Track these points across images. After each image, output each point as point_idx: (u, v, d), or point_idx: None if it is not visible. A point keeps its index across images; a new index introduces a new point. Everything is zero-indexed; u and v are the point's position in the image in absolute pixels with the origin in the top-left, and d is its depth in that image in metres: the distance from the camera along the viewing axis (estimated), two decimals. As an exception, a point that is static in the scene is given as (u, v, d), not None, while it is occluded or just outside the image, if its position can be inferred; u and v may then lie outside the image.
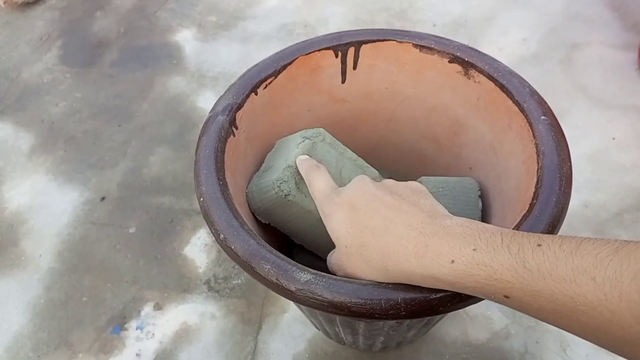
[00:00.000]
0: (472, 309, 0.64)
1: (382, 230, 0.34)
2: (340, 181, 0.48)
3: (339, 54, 0.53)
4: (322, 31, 1.03)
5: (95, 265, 0.70)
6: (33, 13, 1.12)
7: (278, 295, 0.66)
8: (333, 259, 0.38)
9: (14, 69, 1.00)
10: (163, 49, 1.01)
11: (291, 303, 0.65)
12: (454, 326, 0.63)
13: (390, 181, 0.39)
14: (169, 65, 0.98)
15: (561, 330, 0.62)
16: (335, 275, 0.38)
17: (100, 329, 0.65)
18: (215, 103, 0.49)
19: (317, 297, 0.36)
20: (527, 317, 0.63)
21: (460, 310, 0.63)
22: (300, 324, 0.63)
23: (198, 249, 0.71)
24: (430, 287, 0.33)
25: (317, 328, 0.60)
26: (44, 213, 0.77)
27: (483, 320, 0.63)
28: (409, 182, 0.39)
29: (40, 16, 1.11)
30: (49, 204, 0.78)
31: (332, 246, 0.49)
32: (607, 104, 0.84)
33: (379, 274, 0.34)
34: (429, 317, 0.45)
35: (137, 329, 0.64)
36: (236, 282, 0.68)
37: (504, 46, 0.96)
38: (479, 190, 0.51)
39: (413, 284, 0.33)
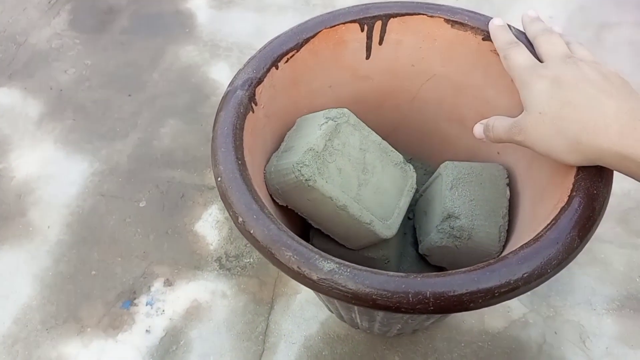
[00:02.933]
0: (489, 296, 0.62)
1: (586, 106, 0.34)
2: (364, 165, 0.46)
3: (365, 27, 0.50)
4: (340, 3, 0.99)
5: (105, 239, 0.69)
6: (41, -25, 1.08)
7: (291, 276, 0.64)
8: (516, 121, 0.38)
9: (22, 33, 0.97)
10: (175, 17, 0.97)
11: (304, 284, 0.64)
12: (470, 313, 0.61)
13: (600, 65, 0.37)
14: (181, 34, 0.94)
15: (581, 321, 0.60)
16: (504, 140, 0.39)
17: (110, 303, 0.64)
18: (234, 77, 0.46)
19: (341, 288, 0.34)
20: (546, 307, 0.62)
21: (479, 298, 0.62)
22: (313, 306, 0.62)
23: (209, 225, 0.70)
24: (619, 170, 0.34)
25: (331, 311, 0.59)
26: (53, 183, 0.75)
27: (501, 307, 0.61)
28: (617, 71, 0.38)
29: (48, -22, 1.07)
30: (58, 174, 0.76)
31: (351, 233, 0.47)
32: (635, 88, 0.81)
33: (566, 145, 0.34)
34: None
35: (147, 304, 0.63)
36: (248, 260, 0.66)
37: (529, 24, 0.92)
38: (507, 177, 0.49)
39: (598, 163, 0.34)
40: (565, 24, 0.92)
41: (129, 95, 0.86)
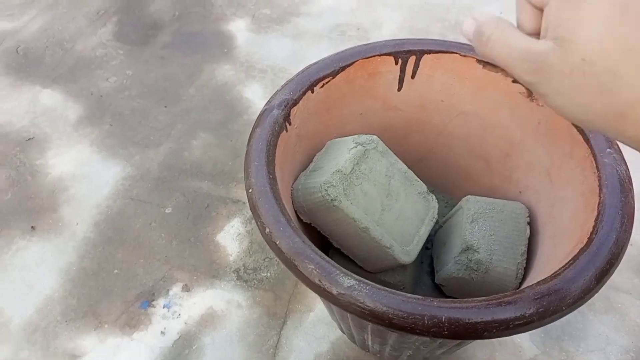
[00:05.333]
0: (500, 333, 0.63)
1: None
2: (388, 191, 0.48)
3: (399, 61, 0.52)
4: (375, 35, 1.03)
5: (129, 240, 0.72)
6: (94, -13, 1.14)
7: (305, 293, 0.66)
8: (536, 52, 0.24)
9: (69, 40, 1.02)
10: (215, 37, 1.02)
11: (318, 302, 0.65)
12: (481, 349, 0.61)
13: None
14: (219, 53, 0.98)
15: (591, 368, 0.60)
16: (501, 61, 0.26)
17: (129, 302, 0.66)
18: (272, 96, 0.49)
19: (359, 304, 0.35)
20: (558, 350, 0.62)
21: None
22: (325, 325, 0.63)
23: (231, 237, 0.72)
24: None
25: (343, 332, 0.60)
26: (85, 183, 0.79)
27: (512, 347, 0.61)
28: None
29: (100, -9, 1.13)
30: (91, 175, 0.80)
31: (370, 255, 0.49)
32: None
33: (603, 115, 0.23)
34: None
35: (164, 307, 0.65)
36: (265, 274, 0.68)
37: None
38: (528, 216, 0.50)
39: (627, 123, 0.22)
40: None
41: (165, 107, 0.89)
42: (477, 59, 0.50)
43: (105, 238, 0.72)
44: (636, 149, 0.24)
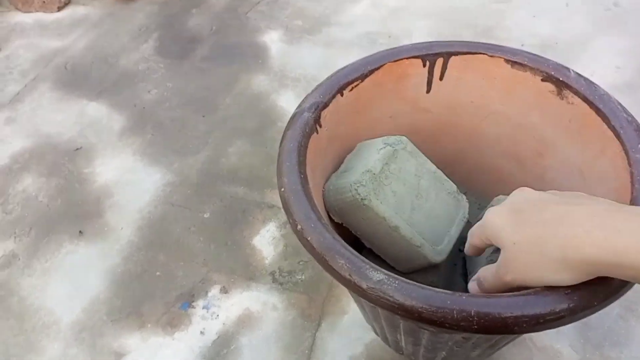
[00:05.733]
0: (541, 339, 0.62)
1: (557, 220, 0.32)
2: (418, 191, 0.49)
3: (427, 63, 0.53)
4: (406, 43, 1.03)
5: (170, 244, 0.75)
6: (135, 5, 1.20)
7: (339, 296, 0.67)
8: (498, 264, 0.36)
9: (114, 56, 1.08)
10: (250, 48, 1.05)
11: (352, 305, 0.66)
12: (519, 355, 0.61)
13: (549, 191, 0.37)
14: (254, 64, 1.02)
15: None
16: (499, 286, 0.37)
17: (170, 303, 0.68)
18: (303, 100, 0.50)
19: (388, 298, 0.36)
20: (599, 356, 0.60)
21: (528, 340, 0.61)
22: (359, 328, 0.64)
23: (266, 241, 0.74)
24: (613, 275, 0.31)
25: (377, 334, 0.60)
26: (129, 190, 0.83)
27: (551, 352, 0.60)
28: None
29: (141, 9, 1.19)
30: (134, 182, 0.84)
31: (401, 255, 0.50)
32: None
33: (554, 266, 0.32)
34: (498, 337, 0.45)
35: (203, 308, 0.67)
36: (300, 277, 0.69)
37: (594, 72, 0.92)
38: (561, 215, 0.49)
39: (597, 275, 0.32)
40: (632, 74, 0.91)
41: (203, 116, 0.93)
42: (505, 59, 0.50)
43: (148, 242, 0.75)
44: (607, 276, 0.32)
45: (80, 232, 0.78)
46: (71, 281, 0.72)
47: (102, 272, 0.73)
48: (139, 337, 0.66)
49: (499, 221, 0.36)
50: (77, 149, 0.89)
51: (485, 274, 0.39)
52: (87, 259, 0.74)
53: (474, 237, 0.40)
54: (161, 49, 1.08)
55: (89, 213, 0.80)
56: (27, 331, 0.67)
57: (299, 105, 0.50)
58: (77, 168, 0.86)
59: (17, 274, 0.73)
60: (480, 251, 0.41)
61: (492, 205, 0.53)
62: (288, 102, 0.93)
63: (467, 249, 0.42)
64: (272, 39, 1.07)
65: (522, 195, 0.37)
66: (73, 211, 0.80)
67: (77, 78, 1.03)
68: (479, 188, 0.62)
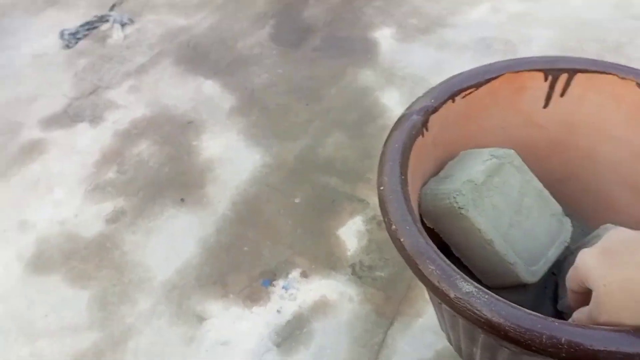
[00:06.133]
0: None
1: None
2: (519, 208, 0.47)
3: (549, 78, 0.51)
4: (523, 51, 0.99)
5: (260, 222, 0.78)
6: (257, -8, 1.26)
7: (416, 298, 0.66)
8: (591, 307, 0.36)
9: (232, 38, 1.14)
10: (361, 43, 1.06)
11: (428, 309, 0.65)
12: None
13: None
14: (363, 59, 1.03)
15: None
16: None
17: (253, 278, 0.72)
18: (413, 102, 0.50)
19: (475, 312, 0.36)
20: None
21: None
22: (432, 334, 0.63)
23: (351, 233, 0.75)
24: None
25: (450, 343, 0.59)
26: (230, 166, 0.88)
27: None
28: None
29: (262, -4, 1.25)
30: (235, 160, 0.88)
31: (491, 269, 0.48)
32: None
33: None
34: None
35: (282, 288, 0.70)
36: (379, 273, 0.70)
37: None
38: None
39: None
40: None
41: (307, 105, 0.96)
42: (638, 83, 0.47)
43: (240, 217, 0.80)
44: None
45: (182, 199, 0.84)
46: (169, 243, 0.78)
47: (197, 239, 0.78)
48: (221, 305, 0.70)
49: (590, 262, 0.35)
50: (190, 122, 0.96)
51: (579, 316, 0.38)
52: (185, 225, 0.80)
53: (570, 281, 0.39)
54: (276, 36, 1.13)
55: (192, 183, 0.86)
56: (124, 283, 0.74)
57: (409, 107, 0.50)
58: (187, 140, 0.93)
59: (123, 230, 0.80)
60: (579, 299, 0.39)
61: (598, 235, 0.49)
62: (391, 100, 0.93)
63: (567, 299, 0.41)
64: (384, 35, 1.07)
65: (615, 235, 0.36)
66: (178, 179, 0.87)
67: (198, 56, 1.10)
68: (584, 213, 0.58)
